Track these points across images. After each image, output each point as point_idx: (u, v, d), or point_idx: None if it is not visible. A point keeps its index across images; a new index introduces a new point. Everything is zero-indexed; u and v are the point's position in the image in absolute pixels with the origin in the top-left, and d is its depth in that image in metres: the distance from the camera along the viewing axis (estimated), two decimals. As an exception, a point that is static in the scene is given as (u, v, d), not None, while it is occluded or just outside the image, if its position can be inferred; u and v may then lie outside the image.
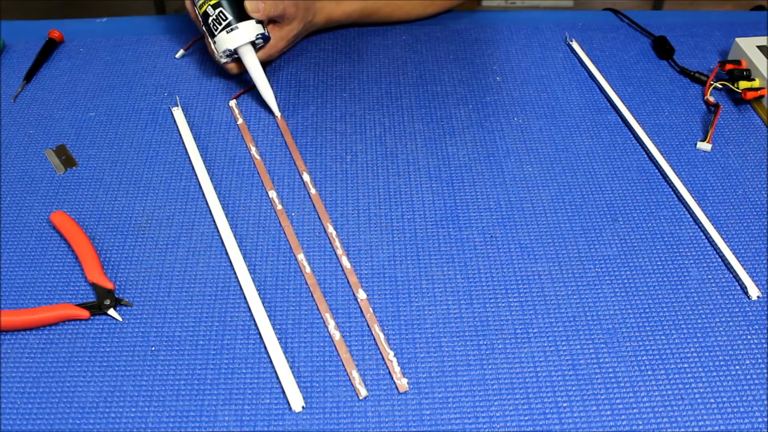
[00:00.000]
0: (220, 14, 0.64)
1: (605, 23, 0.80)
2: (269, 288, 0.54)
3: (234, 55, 0.67)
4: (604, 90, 0.70)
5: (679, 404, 0.47)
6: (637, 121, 0.67)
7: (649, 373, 0.49)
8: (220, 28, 0.64)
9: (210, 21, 0.65)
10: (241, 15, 0.64)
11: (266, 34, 0.66)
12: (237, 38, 0.64)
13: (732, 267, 0.55)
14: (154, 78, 0.72)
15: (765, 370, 0.49)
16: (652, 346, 0.51)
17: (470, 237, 0.57)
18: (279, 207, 0.59)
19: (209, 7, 0.65)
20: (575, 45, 0.75)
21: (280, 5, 0.65)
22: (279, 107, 0.67)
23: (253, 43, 0.66)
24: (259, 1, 0.63)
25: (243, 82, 0.71)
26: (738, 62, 0.70)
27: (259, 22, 0.65)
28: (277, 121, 0.67)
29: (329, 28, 0.76)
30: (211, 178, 0.61)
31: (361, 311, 0.53)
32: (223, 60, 0.67)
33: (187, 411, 0.47)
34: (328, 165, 0.63)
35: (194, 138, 0.65)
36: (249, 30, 0.64)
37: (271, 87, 0.67)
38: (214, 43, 0.66)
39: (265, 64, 0.69)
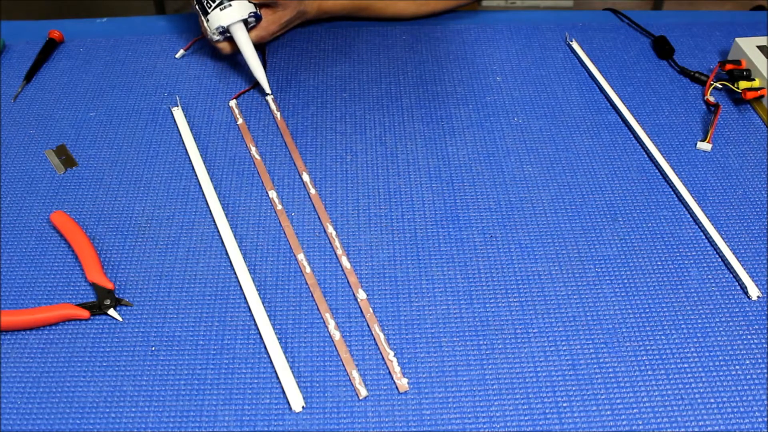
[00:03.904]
0: None
1: (605, 23, 0.80)
2: (269, 288, 0.54)
3: (226, 34, 0.68)
4: (604, 90, 0.70)
5: (679, 404, 0.47)
6: (637, 121, 0.67)
7: (649, 373, 0.49)
8: (213, 5, 0.66)
9: None
10: None
11: (258, 13, 0.67)
12: (229, 16, 0.65)
13: (732, 267, 0.55)
14: (154, 78, 0.72)
15: (765, 370, 0.49)
16: (652, 346, 0.51)
17: (470, 237, 0.57)
18: (279, 207, 0.59)
19: None
20: (575, 45, 0.75)
21: None
22: (269, 85, 0.69)
23: (245, 22, 0.67)
24: None
25: (242, 80, 0.71)
26: (738, 62, 0.70)
27: (251, 2, 0.66)
28: (276, 121, 0.67)
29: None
30: (211, 178, 0.61)
31: (361, 311, 0.53)
32: (216, 38, 0.68)
33: (187, 411, 0.47)
34: (328, 165, 0.63)
35: (194, 138, 0.65)
36: (241, 8, 0.66)
37: (265, 69, 0.68)
38: (207, 20, 0.67)
39: (257, 47, 0.69)
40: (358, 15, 0.77)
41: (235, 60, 0.73)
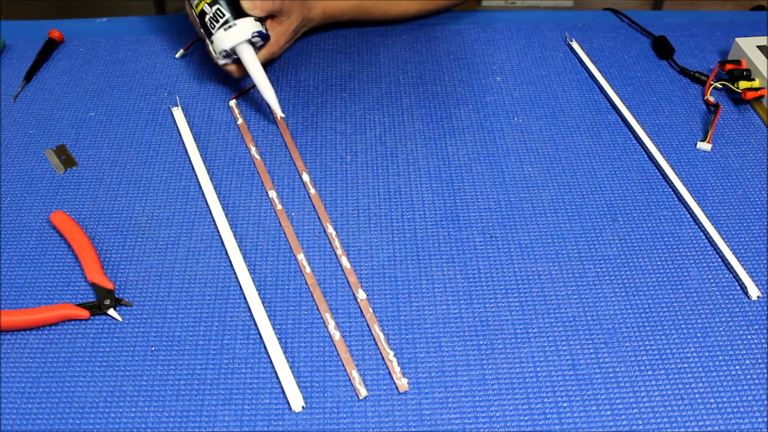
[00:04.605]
0: (217, 12, 0.62)
1: (605, 23, 0.80)
2: (269, 288, 0.54)
3: (233, 56, 0.65)
4: (604, 90, 0.70)
5: (679, 404, 0.47)
6: (637, 121, 0.67)
7: (649, 373, 0.49)
8: (217, 26, 0.62)
9: (207, 19, 0.63)
10: (239, 12, 0.62)
11: (264, 32, 0.64)
12: (235, 36, 0.62)
13: (732, 267, 0.55)
14: (154, 78, 0.72)
15: (765, 370, 0.49)
16: (652, 346, 0.51)
17: (470, 237, 0.57)
18: (279, 207, 0.59)
19: (206, 5, 0.63)
20: (575, 45, 0.75)
21: None
22: (281, 107, 0.66)
23: (252, 43, 0.64)
24: None
25: (242, 81, 0.71)
26: (738, 62, 0.70)
27: (257, 19, 0.63)
28: (276, 121, 0.67)
29: (326, 25, 0.76)
30: (211, 178, 0.61)
31: (361, 311, 0.53)
32: (221, 61, 0.65)
33: (187, 411, 0.47)
34: (328, 165, 0.63)
35: (194, 138, 0.65)
36: (247, 27, 0.62)
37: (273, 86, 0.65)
38: (212, 43, 0.64)
39: (268, 63, 0.68)
40: (363, 18, 0.76)
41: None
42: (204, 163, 0.63)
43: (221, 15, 0.62)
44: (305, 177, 0.62)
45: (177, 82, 0.71)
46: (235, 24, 0.62)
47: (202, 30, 0.65)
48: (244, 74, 0.66)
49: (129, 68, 0.73)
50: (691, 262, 0.56)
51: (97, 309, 0.52)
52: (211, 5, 0.63)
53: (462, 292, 0.54)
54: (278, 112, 0.65)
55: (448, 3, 0.79)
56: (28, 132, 0.66)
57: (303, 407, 0.47)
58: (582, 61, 0.74)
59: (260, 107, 0.69)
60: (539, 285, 0.54)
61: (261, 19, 0.64)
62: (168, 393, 0.48)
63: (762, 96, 0.68)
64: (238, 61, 0.65)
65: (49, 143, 0.65)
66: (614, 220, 0.59)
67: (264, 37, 0.64)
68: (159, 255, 0.56)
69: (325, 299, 0.53)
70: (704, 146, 0.65)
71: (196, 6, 0.64)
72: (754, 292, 0.53)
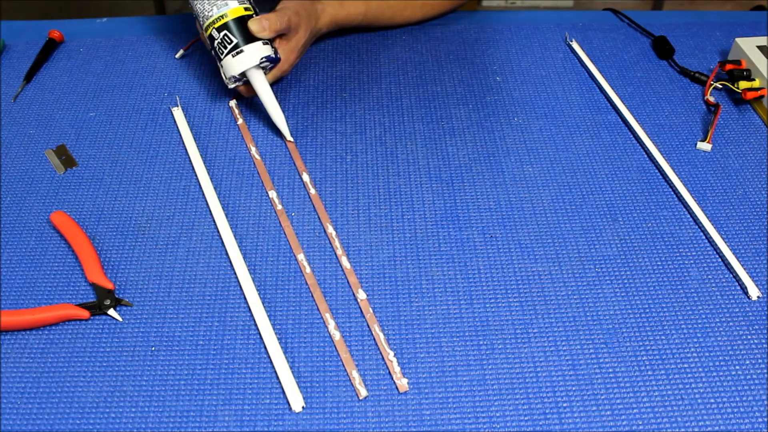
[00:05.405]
0: (225, 37, 0.61)
1: (605, 23, 0.80)
2: (269, 288, 0.54)
3: (243, 78, 0.64)
4: (604, 90, 0.70)
5: (679, 404, 0.47)
6: (637, 121, 0.67)
7: (649, 373, 0.49)
8: (225, 51, 0.62)
9: (215, 45, 0.62)
10: (248, 36, 0.61)
11: (272, 56, 0.62)
12: (243, 63, 0.61)
13: (732, 267, 0.55)
14: (154, 78, 0.72)
15: (765, 370, 0.49)
16: (652, 346, 0.51)
17: (470, 237, 0.57)
18: (279, 207, 0.59)
19: (214, 30, 0.62)
20: (575, 45, 0.75)
21: (284, 17, 0.63)
22: (291, 131, 0.65)
23: (262, 67, 0.63)
24: (262, 20, 0.61)
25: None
26: (738, 62, 0.70)
27: (266, 42, 0.62)
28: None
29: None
30: (211, 178, 0.61)
31: (361, 311, 0.53)
32: (231, 85, 0.64)
33: (187, 411, 0.47)
34: (328, 165, 0.63)
35: (194, 138, 0.65)
36: (255, 52, 0.61)
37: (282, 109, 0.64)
38: (222, 67, 0.63)
39: (278, 80, 0.67)
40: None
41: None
42: (204, 163, 0.63)
43: (229, 41, 0.61)
44: (305, 177, 0.62)
45: (177, 82, 0.71)
46: (242, 50, 0.61)
47: (213, 52, 0.64)
48: (254, 94, 0.66)
49: (129, 68, 0.73)
50: (691, 262, 0.56)
51: (97, 309, 0.52)
52: (219, 30, 0.62)
53: (462, 292, 0.54)
54: (287, 136, 0.64)
55: (450, 5, 0.79)
56: (28, 132, 0.66)
57: (303, 407, 0.47)
58: (582, 61, 0.74)
59: (260, 107, 0.68)
60: (539, 285, 0.54)
61: (270, 39, 0.63)
62: (168, 393, 0.48)
63: (762, 96, 0.68)
64: (247, 82, 0.65)
65: (49, 143, 0.65)
66: (614, 220, 0.59)
67: (273, 60, 0.63)
68: (159, 255, 0.56)
69: (325, 299, 0.53)
70: (704, 146, 0.65)
71: (206, 29, 0.63)
72: (754, 292, 0.53)
